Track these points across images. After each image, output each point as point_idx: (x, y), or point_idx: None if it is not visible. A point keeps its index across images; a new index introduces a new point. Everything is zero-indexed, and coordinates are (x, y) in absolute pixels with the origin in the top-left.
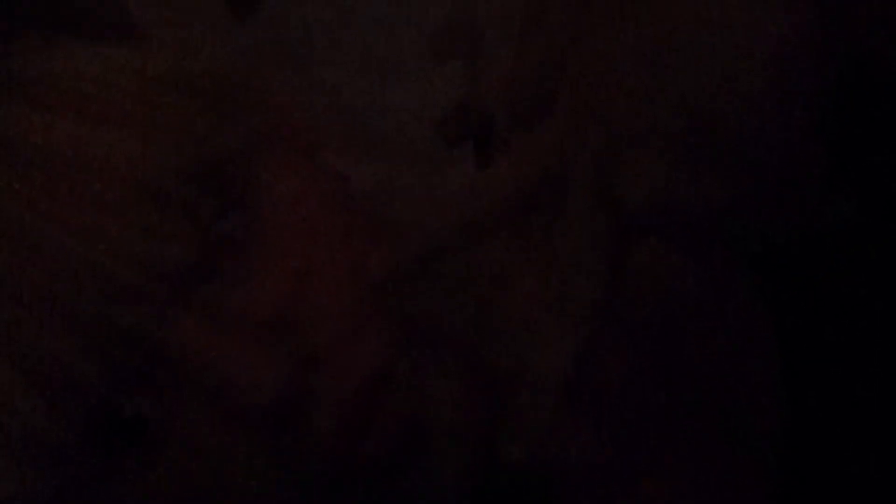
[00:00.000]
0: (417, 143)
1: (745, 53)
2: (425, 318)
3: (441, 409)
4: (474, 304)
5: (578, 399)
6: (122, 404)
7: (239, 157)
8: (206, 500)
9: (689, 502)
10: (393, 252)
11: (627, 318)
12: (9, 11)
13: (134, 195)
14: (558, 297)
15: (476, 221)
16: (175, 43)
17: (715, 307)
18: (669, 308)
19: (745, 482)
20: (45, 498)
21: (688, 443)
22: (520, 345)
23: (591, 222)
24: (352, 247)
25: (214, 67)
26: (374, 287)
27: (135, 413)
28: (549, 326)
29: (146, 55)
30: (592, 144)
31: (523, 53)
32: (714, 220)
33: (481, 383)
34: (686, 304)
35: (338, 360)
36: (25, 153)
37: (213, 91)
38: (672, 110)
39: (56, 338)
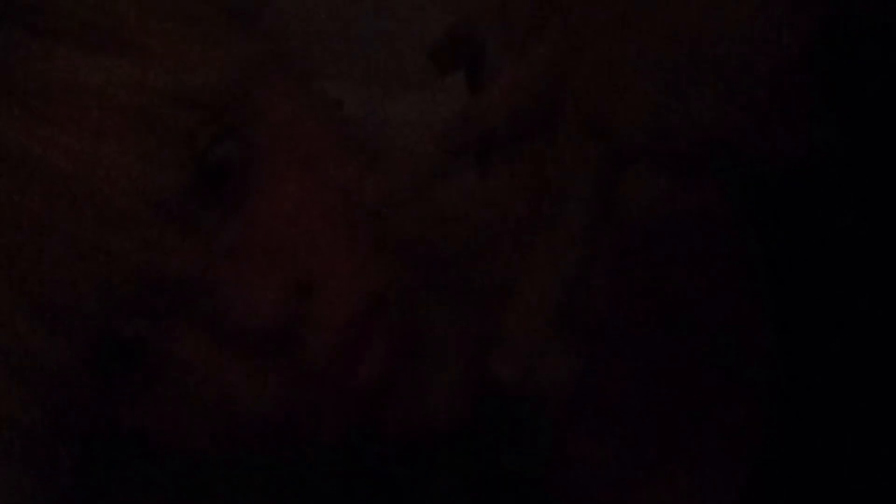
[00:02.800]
0: (410, 70)
1: None
2: (417, 242)
3: (433, 332)
4: (466, 227)
5: (569, 322)
6: (120, 327)
7: (235, 84)
8: (202, 420)
9: (681, 424)
10: (386, 177)
11: (618, 244)
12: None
13: (131, 122)
14: (549, 222)
15: (467, 146)
16: None
17: (704, 233)
18: (659, 234)
19: (734, 407)
20: (46, 419)
21: (677, 367)
22: (511, 268)
23: (581, 149)
24: (346, 172)
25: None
26: (368, 212)
27: (133, 336)
28: (540, 251)
29: None
30: (583, 71)
31: None
32: (703, 147)
33: (472, 306)
34: (675, 230)
35: (332, 285)
36: (24, 80)
37: (209, 19)
38: (662, 38)
39: (55, 263)
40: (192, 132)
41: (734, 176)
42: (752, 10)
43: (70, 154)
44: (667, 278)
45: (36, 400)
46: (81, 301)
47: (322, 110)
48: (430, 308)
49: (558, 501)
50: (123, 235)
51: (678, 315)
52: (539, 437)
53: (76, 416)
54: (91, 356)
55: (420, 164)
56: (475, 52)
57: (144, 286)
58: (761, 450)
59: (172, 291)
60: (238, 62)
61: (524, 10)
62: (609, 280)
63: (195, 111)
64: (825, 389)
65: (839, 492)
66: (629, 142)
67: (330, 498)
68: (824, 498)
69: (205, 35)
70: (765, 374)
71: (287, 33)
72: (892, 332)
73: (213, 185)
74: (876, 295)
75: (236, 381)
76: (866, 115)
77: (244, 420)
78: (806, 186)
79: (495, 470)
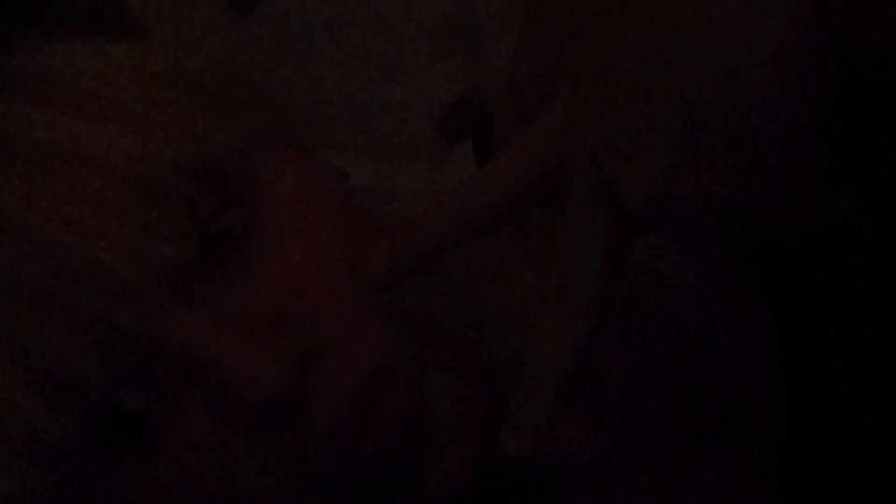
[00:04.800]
0: (417, 139)
1: (745, 50)
2: (424, 314)
3: (440, 405)
4: (474, 300)
5: (578, 395)
6: (122, 400)
7: (238, 153)
8: (205, 494)
9: (689, 498)
10: (392, 249)
11: (627, 315)
12: (8, 8)
13: (133, 192)
14: (558, 293)
15: (476, 218)
16: (175, 40)
17: (714, 303)
18: (669, 304)
19: (744, 479)
20: (46, 494)
21: (687, 439)
22: (519, 340)
23: (590, 219)
24: (351, 243)
25: (214, 64)
26: (374, 283)
27: (135, 409)
28: (549, 322)
29: (146, 52)
30: (592, 141)
31: (522, 49)
32: (713, 216)
33: (480, 379)
34: (685, 300)
35: (337, 357)
36: (25, 150)
37: (212, 88)
38: (672, 107)
39: (56, 335)
40: (195, 202)
41: (744, 244)
42: (763, 78)
43: (71, 225)
44: (677, 348)
45: (36, 473)
46: (82, 373)
47: (327, 180)
48: (436, 380)
49: None
50: (125, 306)
51: (688, 385)
52: None
53: (77, 491)
54: (92, 429)
55: (427, 235)
56: (483, 122)
57: (146, 358)
58: None
59: (175, 363)
60: (242, 131)
61: (532, 79)
62: (618, 351)
63: (198, 181)
64: (838, 460)
65: None
66: (638, 211)
67: None
68: None
69: (207, 104)
70: (776, 444)
71: (292, 102)
72: None
73: (217, 255)
74: (889, 363)
75: (239, 456)
76: (879, 183)
77: (247, 495)
78: (819, 256)
79: None
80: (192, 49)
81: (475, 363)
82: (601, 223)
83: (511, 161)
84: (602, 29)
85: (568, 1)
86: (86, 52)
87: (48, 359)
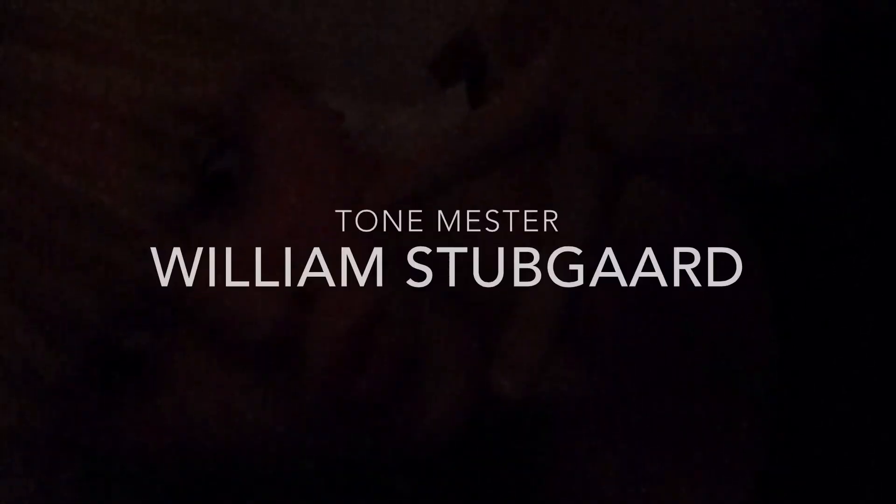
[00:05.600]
0: (411, 81)
1: None
2: (419, 254)
3: (434, 344)
4: (468, 240)
5: (570, 334)
6: (120, 339)
7: (235, 95)
8: (202, 432)
9: (680, 436)
10: (387, 189)
11: (619, 255)
12: None
13: (131, 133)
14: (551, 234)
15: (469, 158)
16: None
17: (705, 245)
18: (661, 244)
19: (736, 417)
20: (45, 431)
21: (679, 378)
22: (513, 280)
23: (582, 161)
24: (346, 184)
25: (211, 6)
26: (369, 224)
27: (133, 347)
28: (542, 262)
29: None
30: (584, 83)
31: None
32: (704, 158)
33: (474, 319)
34: (676, 241)
35: (332, 297)
36: (24, 92)
37: (209, 30)
38: (663, 49)
39: (55, 274)
40: (192, 143)
41: (735, 186)
42: (752, 20)
43: (69, 165)
44: (667, 289)
45: (36, 412)
46: (81, 313)
47: (322, 122)
48: (430, 319)
49: None
50: (123, 246)
51: (679, 325)
52: (540, 450)
53: (76, 428)
54: (91, 368)
55: (421, 175)
56: (476, 64)
57: (144, 298)
58: (764, 460)
59: (173, 303)
60: (238, 73)
61: (525, 22)
62: (610, 291)
63: (195, 122)
64: (827, 399)
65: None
66: (630, 153)
67: None
68: None
69: (204, 46)
70: (767, 384)
71: (288, 45)
72: (893, 342)
73: (213, 196)
74: (877, 304)
75: (236, 393)
76: (866, 125)
77: (244, 432)
78: (807, 197)
79: (496, 483)
80: None
81: (468, 303)
82: (594, 165)
83: (504, 103)
84: None
85: None
86: None
87: (47, 298)
